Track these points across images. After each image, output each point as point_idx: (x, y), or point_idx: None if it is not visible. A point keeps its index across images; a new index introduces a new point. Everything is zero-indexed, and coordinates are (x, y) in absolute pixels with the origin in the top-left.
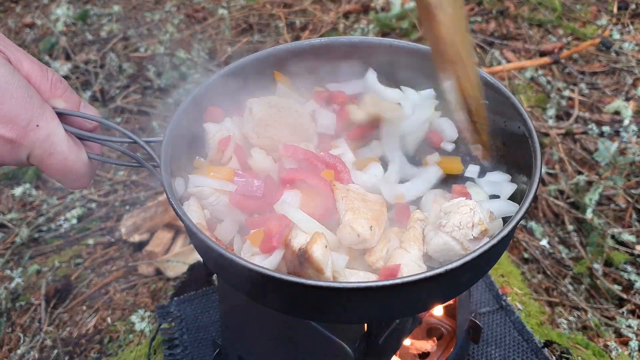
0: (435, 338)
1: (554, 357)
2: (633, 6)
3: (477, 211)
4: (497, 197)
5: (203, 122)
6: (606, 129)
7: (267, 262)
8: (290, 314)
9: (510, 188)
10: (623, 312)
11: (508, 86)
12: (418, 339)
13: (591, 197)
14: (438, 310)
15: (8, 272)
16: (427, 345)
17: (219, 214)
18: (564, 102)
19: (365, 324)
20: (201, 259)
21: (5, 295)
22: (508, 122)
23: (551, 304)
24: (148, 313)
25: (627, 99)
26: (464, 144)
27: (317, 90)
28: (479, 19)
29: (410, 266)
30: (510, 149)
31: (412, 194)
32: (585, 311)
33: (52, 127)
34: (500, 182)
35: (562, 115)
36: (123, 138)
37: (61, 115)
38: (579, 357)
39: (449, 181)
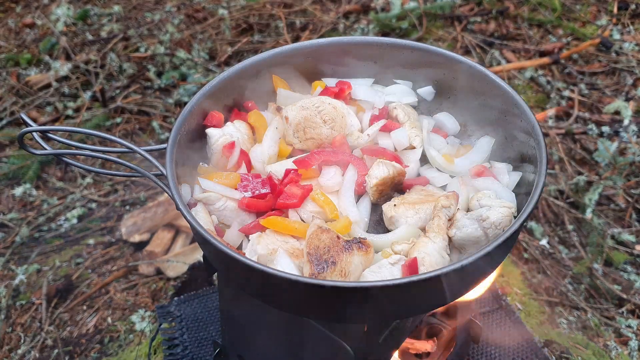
0: (435, 338)
1: (553, 357)
2: (633, 6)
3: (513, 218)
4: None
5: (205, 127)
6: (606, 129)
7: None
8: (318, 319)
9: (515, 176)
10: (623, 312)
11: None
12: (418, 339)
13: (591, 197)
14: (438, 310)
15: (10, 270)
16: (427, 345)
17: (226, 219)
18: (563, 102)
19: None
20: (202, 259)
21: (6, 294)
22: (509, 117)
23: (551, 304)
24: (148, 313)
25: (627, 99)
26: (468, 134)
27: (319, 85)
28: (479, 19)
29: (434, 256)
30: (512, 142)
31: (468, 165)
32: (585, 311)
33: None
34: (504, 170)
35: (562, 115)
36: (121, 149)
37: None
38: (579, 357)
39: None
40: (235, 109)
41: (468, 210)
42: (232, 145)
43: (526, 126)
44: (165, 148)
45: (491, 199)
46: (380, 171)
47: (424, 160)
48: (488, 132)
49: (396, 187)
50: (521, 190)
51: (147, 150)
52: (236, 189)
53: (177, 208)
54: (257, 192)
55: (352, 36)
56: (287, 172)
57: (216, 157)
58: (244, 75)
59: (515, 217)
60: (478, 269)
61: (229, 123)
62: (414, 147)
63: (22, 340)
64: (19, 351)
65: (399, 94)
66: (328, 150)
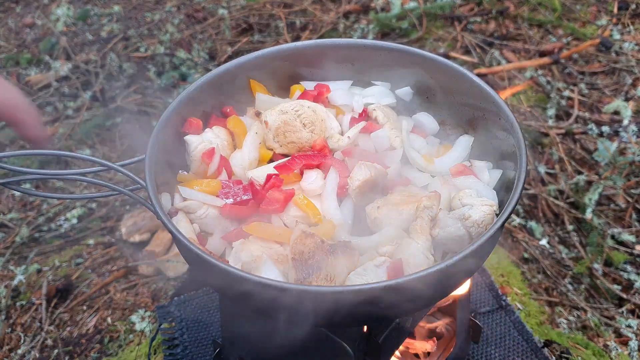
0: (435, 338)
1: (553, 357)
2: (633, 6)
3: (495, 216)
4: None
5: (183, 134)
6: (606, 129)
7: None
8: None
9: (496, 173)
10: (623, 312)
11: (508, 86)
12: (418, 339)
13: (591, 197)
14: (437, 310)
15: (10, 270)
16: (427, 345)
17: (208, 227)
18: (563, 102)
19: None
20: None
21: (6, 294)
22: (487, 114)
23: (551, 304)
24: (148, 313)
25: (627, 99)
26: (447, 133)
27: (298, 88)
28: (478, 19)
29: (418, 257)
30: (492, 140)
31: (448, 165)
32: (585, 311)
33: None
34: (484, 168)
35: (562, 115)
36: (93, 167)
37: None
38: (579, 357)
39: None
40: (213, 115)
41: (451, 209)
42: (211, 151)
43: (504, 124)
44: (142, 159)
45: (473, 198)
46: (361, 173)
47: (406, 160)
48: (467, 130)
49: (378, 188)
50: (503, 188)
51: (122, 165)
52: (217, 196)
53: (159, 218)
54: (238, 198)
55: (329, 39)
56: (269, 177)
57: (196, 164)
58: (221, 80)
59: (497, 215)
60: (463, 268)
61: (207, 129)
62: (394, 148)
63: (22, 340)
64: (19, 351)
65: (378, 95)
66: (309, 154)
